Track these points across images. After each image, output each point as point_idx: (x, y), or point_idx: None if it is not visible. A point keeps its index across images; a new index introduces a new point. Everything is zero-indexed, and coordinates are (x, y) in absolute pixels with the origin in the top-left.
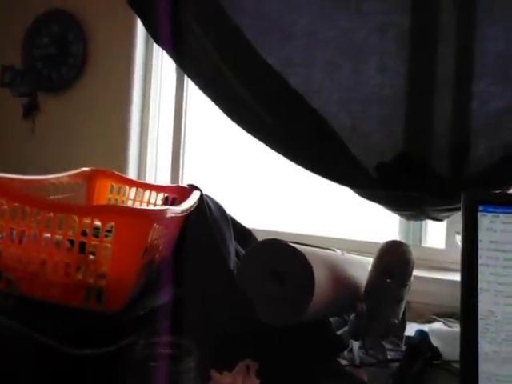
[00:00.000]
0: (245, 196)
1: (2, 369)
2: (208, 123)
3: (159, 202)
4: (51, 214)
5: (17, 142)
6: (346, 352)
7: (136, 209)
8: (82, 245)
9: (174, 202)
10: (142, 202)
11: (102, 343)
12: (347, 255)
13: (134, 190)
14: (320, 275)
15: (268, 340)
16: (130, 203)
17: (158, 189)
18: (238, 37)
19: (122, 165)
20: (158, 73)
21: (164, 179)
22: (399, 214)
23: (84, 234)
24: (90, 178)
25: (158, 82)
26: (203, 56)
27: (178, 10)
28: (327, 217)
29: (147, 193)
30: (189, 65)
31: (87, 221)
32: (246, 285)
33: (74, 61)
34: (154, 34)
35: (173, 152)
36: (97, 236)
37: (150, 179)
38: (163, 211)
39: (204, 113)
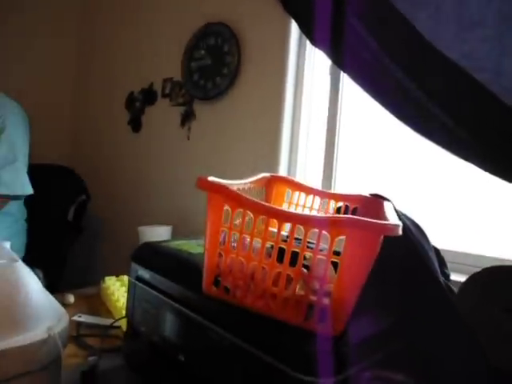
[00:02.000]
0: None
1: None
2: (363, 129)
3: (331, 210)
4: (287, 224)
5: (173, 148)
6: None
7: (371, 222)
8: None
9: (355, 212)
10: (317, 210)
11: (328, 370)
12: None
13: (310, 197)
14: None
15: None
16: (306, 211)
17: (336, 197)
18: (411, 32)
19: (273, 170)
20: (310, 79)
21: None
22: None
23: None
24: (268, 184)
25: (309, 88)
26: (367, 56)
27: (338, 9)
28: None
29: (318, 200)
30: (349, 65)
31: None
32: (474, 321)
33: (229, 71)
34: (310, 35)
35: (325, 158)
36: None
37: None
38: (396, 226)
39: (359, 121)
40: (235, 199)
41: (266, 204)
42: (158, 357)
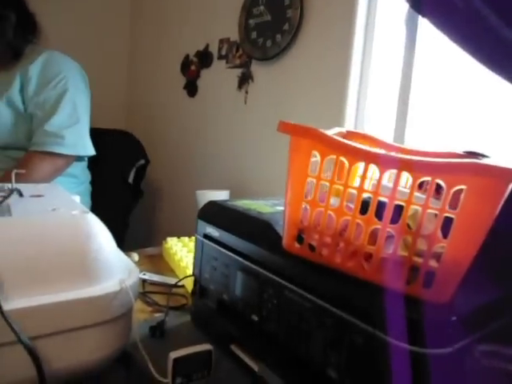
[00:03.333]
0: None
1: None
2: (440, 81)
3: None
4: (393, 171)
5: (230, 112)
6: None
7: (503, 168)
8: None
9: None
10: None
11: (436, 341)
12: None
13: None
14: None
15: None
16: None
17: (423, 154)
18: None
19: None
20: (381, 29)
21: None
22: None
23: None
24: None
25: (381, 39)
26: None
27: None
28: None
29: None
30: (432, 10)
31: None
32: None
33: (290, 26)
34: None
35: (397, 117)
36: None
37: None
38: None
39: (435, 74)
40: (327, 142)
41: (366, 147)
42: (227, 316)
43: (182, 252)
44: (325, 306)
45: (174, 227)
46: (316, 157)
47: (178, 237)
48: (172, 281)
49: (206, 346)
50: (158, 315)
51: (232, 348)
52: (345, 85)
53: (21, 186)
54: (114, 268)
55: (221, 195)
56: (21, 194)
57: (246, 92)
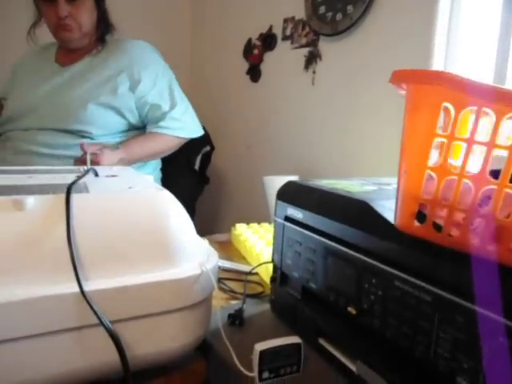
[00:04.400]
0: None
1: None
2: None
3: None
4: None
5: (296, 95)
6: None
7: None
8: None
9: None
10: None
11: None
12: None
13: None
14: None
15: None
16: None
17: None
18: None
19: None
20: None
21: None
22: None
23: None
24: None
25: (470, 4)
26: None
27: None
28: None
29: None
30: None
31: None
32: None
33: None
34: None
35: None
36: None
37: None
38: None
39: None
40: (469, 88)
41: None
42: (313, 306)
43: (253, 238)
44: (454, 301)
45: (240, 213)
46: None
47: (247, 223)
48: (245, 268)
49: (295, 339)
50: (234, 303)
51: (320, 342)
52: (429, 63)
53: (96, 168)
54: (194, 250)
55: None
56: (96, 174)
57: (314, 72)
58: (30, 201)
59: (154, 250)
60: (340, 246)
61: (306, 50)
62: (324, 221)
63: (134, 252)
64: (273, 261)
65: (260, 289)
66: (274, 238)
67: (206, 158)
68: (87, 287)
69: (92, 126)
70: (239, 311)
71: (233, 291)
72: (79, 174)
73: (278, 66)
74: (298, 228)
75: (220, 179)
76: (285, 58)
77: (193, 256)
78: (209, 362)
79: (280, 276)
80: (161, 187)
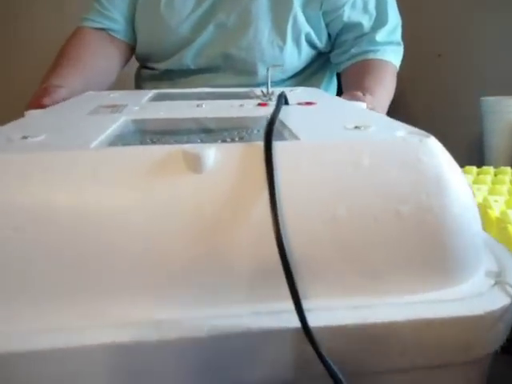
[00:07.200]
0: None
1: None
2: None
3: None
4: None
5: None
6: None
7: None
8: None
9: None
10: None
11: None
12: None
13: None
14: None
15: None
16: None
17: None
18: None
19: None
20: None
21: None
22: None
23: None
24: None
25: None
26: None
27: None
28: None
29: None
30: None
31: None
32: None
33: None
34: None
35: None
36: None
37: None
38: None
39: None
40: None
41: None
42: None
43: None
44: None
45: None
46: None
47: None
48: None
49: None
50: None
51: None
52: None
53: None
54: (479, 249)
55: None
56: (286, 102)
57: None
58: (210, 155)
59: (429, 251)
60: None
61: None
62: None
63: (393, 253)
64: None
65: None
66: None
67: None
68: (313, 319)
69: None
70: None
71: None
72: (262, 101)
73: None
74: None
75: None
76: None
77: (478, 260)
78: None
79: None
80: (424, 132)
